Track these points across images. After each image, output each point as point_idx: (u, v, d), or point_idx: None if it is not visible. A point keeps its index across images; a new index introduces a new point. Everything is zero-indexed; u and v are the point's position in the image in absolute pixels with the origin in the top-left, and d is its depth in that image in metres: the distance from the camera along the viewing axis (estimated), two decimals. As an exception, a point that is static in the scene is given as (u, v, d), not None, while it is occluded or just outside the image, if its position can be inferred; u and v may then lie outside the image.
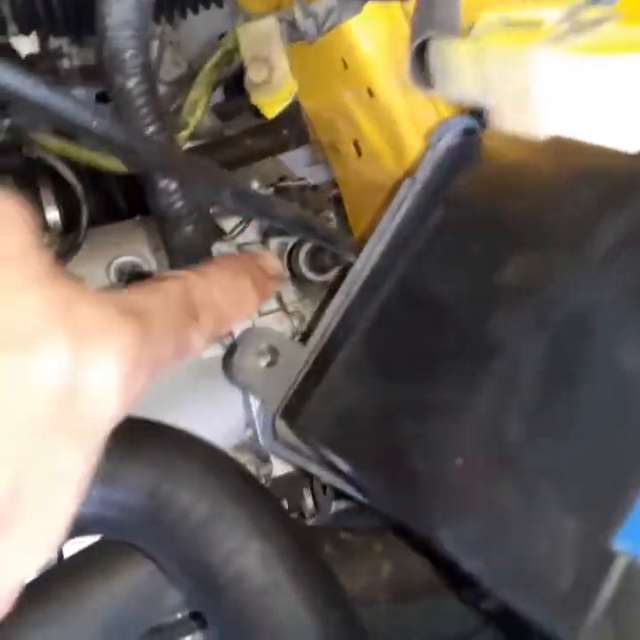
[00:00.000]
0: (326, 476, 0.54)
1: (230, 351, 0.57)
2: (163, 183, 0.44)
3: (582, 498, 0.29)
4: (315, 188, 0.86)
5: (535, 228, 0.43)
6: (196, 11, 0.69)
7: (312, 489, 0.78)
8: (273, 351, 0.56)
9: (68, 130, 0.37)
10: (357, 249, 0.58)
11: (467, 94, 0.51)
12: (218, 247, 0.75)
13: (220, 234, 0.75)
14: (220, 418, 0.77)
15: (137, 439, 0.46)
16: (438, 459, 0.35)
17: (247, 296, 0.44)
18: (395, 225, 0.55)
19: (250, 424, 0.75)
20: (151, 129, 0.43)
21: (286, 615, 0.40)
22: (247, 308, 0.45)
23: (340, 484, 0.54)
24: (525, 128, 0.44)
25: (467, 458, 0.33)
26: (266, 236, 0.78)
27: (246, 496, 0.44)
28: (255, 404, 0.72)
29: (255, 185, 0.77)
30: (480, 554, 0.31)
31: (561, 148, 0.44)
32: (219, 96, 1.00)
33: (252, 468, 0.76)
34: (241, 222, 0.75)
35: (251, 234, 0.77)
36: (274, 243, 0.78)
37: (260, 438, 0.69)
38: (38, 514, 0.27)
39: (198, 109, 0.62)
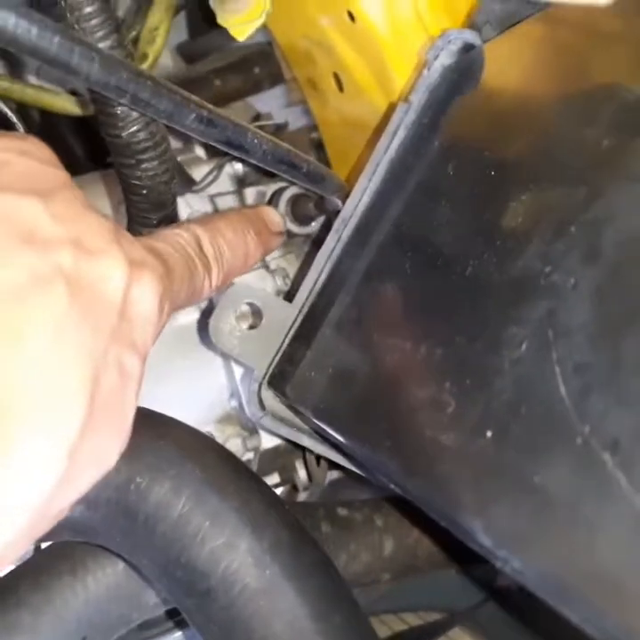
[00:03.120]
0: (320, 449, 0.47)
1: (207, 312, 0.50)
2: (120, 110, 0.36)
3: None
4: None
5: (554, 153, 0.36)
6: None
7: (305, 460, 0.72)
8: (255, 311, 0.48)
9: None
10: (345, 190, 0.51)
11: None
12: (188, 199, 0.67)
13: (190, 184, 0.67)
14: (202, 388, 0.71)
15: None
16: (461, 430, 0.28)
17: (251, 249, 0.47)
18: (388, 159, 0.47)
19: (234, 394, 0.69)
20: (104, 44, 0.35)
21: (284, 619, 0.33)
22: (251, 260, 0.47)
23: (336, 456, 0.47)
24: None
25: (500, 427, 0.27)
26: (241, 184, 0.70)
27: (232, 484, 0.37)
28: (239, 371, 0.66)
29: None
30: (521, 549, 0.24)
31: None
32: (183, 36, 0.91)
33: (238, 441, 0.70)
34: (212, 170, 0.67)
35: (224, 183, 0.69)
36: (250, 192, 0.70)
37: (246, 409, 0.63)
38: (115, 406, 0.31)
39: (158, 37, 0.54)
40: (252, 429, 0.70)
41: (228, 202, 0.69)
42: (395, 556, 0.57)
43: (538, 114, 0.38)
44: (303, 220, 0.67)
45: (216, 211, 0.68)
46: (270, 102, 0.88)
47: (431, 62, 0.48)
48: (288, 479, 0.75)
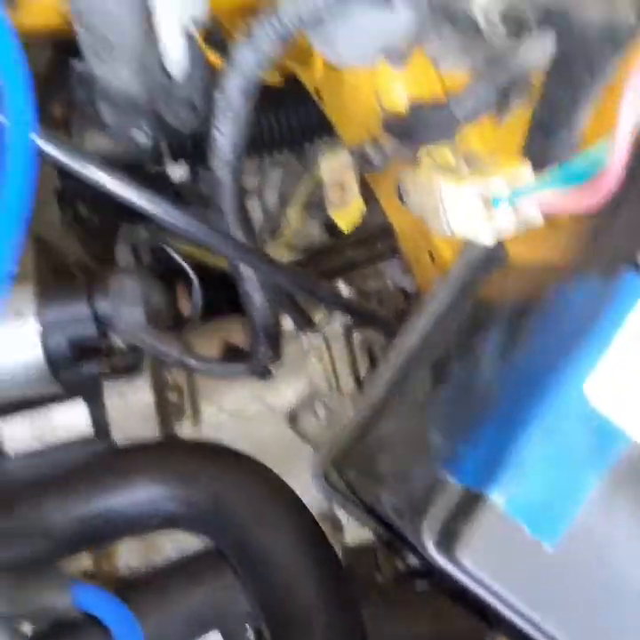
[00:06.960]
0: (363, 519, 0.64)
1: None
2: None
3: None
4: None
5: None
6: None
7: (376, 561, 0.85)
8: (326, 409, 0.68)
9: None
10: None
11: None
12: (308, 338, 0.88)
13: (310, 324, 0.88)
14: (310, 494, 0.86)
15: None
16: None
17: None
18: (430, 319, 0.66)
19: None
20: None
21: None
22: None
23: (374, 527, 0.63)
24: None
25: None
26: (349, 330, 0.90)
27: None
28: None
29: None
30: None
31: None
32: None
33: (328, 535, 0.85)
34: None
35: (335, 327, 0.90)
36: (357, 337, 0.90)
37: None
38: None
39: (293, 221, 0.80)
40: (339, 527, 0.86)
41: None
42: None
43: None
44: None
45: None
46: (392, 269, 1.09)
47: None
48: (368, 577, 0.87)
